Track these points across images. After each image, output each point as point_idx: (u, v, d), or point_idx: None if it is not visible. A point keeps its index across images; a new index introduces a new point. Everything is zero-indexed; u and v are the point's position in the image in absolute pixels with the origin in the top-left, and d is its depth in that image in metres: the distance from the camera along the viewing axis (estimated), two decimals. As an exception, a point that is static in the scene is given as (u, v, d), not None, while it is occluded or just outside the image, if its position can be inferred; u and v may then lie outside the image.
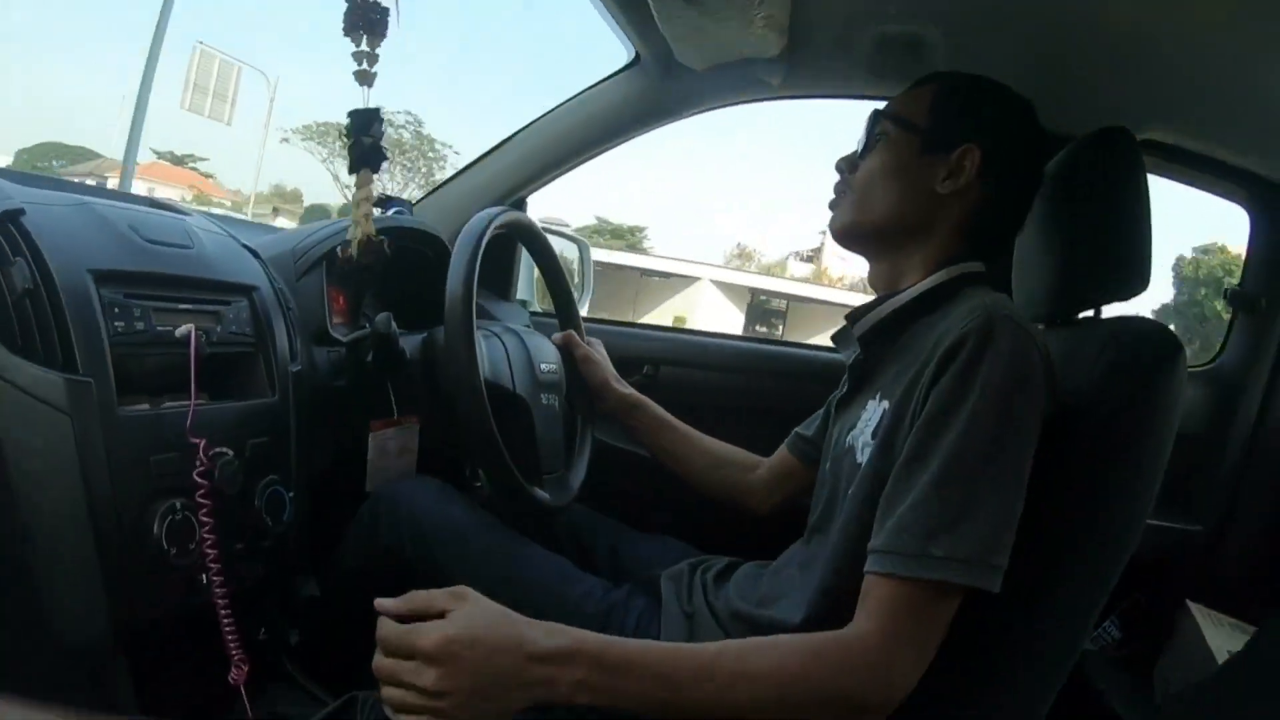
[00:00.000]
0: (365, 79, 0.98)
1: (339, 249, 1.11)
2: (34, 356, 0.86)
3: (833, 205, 1.14)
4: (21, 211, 0.89)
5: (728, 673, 0.81)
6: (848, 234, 1.12)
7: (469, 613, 0.77)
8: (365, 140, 1.06)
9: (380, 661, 0.76)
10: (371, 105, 1.08)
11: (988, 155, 1.02)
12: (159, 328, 0.97)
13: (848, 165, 1.13)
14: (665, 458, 1.51)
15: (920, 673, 0.81)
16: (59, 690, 0.93)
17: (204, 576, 0.97)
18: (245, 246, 1.20)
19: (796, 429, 1.42)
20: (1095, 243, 1.04)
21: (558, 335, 1.54)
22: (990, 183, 1.03)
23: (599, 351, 1.57)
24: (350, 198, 1.10)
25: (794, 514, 1.22)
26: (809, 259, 36.24)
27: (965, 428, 0.83)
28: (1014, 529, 0.83)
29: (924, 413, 0.88)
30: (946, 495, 0.82)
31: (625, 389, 1.53)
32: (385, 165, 1.13)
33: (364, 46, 0.97)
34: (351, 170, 1.12)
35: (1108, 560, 0.91)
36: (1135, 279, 1.02)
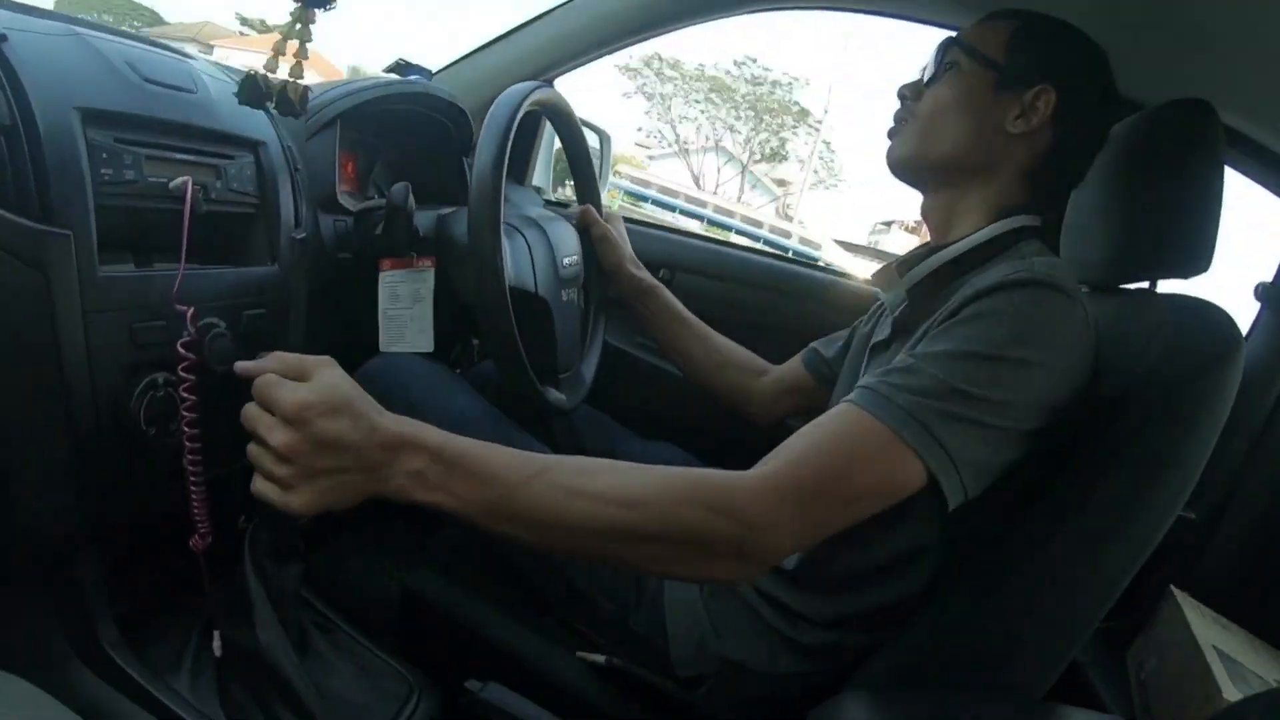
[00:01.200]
0: None
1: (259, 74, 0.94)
2: (7, 203, 0.75)
3: (892, 134, 1.08)
4: (2, 38, 0.78)
5: (569, 478, 0.77)
6: (906, 165, 1.06)
7: (332, 384, 0.77)
8: None
9: (247, 408, 0.77)
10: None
11: (1063, 99, 0.97)
12: (151, 178, 0.86)
13: (912, 92, 1.06)
14: (672, 350, 1.49)
15: (804, 539, 0.78)
16: (19, 578, 0.89)
17: (182, 461, 0.88)
18: (253, 96, 1.08)
19: (815, 344, 1.38)
20: (1163, 213, 0.98)
21: (575, 210, 1.49)
22: (1061, 128, 0.98)
23: (618, 230, 1.52)
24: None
25: None
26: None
27: (971, 350, 0.79)
28: (994, 456, 0.79)
29: (939, 329, 0.84)
30: (935, 378, 0.78)
31: (641, 272, 1.50)
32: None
33: None
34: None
35: (1141, 541, 0.88)
36: (1199, 258, 0.97)
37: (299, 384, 0.76)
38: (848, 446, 0.77)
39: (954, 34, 1.06)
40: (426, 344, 1.20)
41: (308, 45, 0.86)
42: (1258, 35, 1.18)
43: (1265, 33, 1.17)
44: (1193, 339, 0.88)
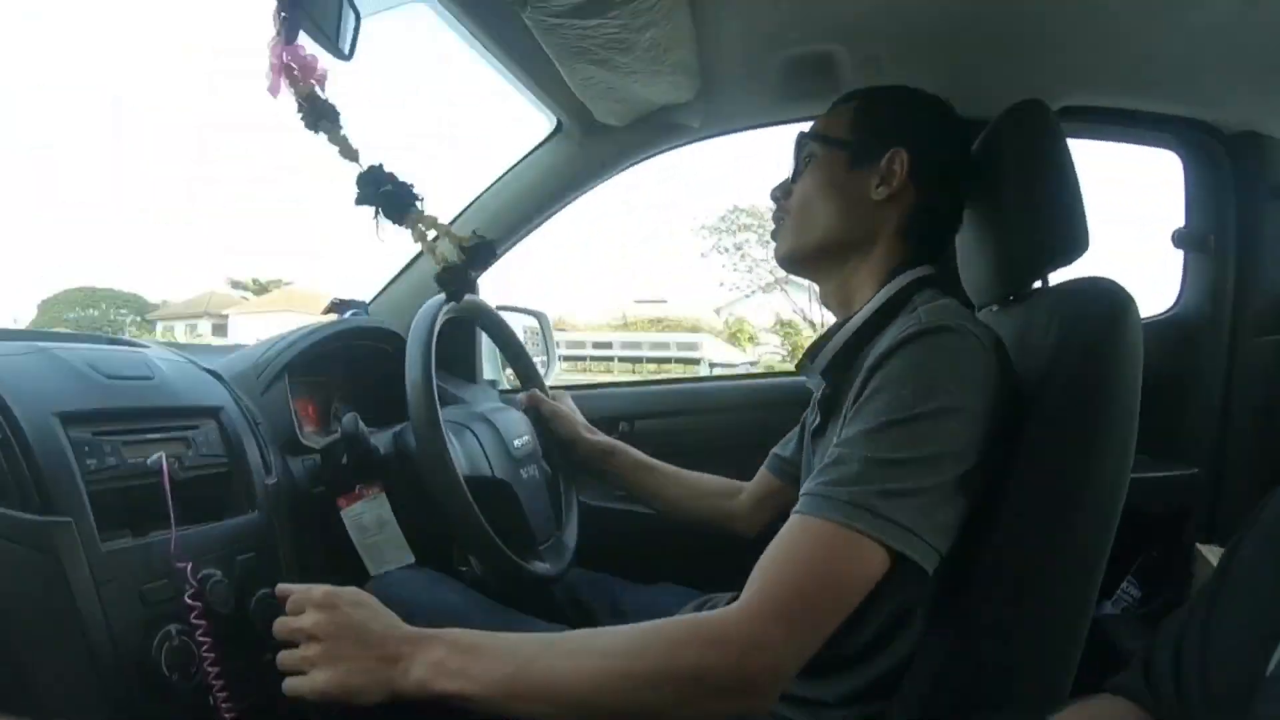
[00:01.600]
0: (351, 154, 0.97)
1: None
2: (12, 504, 0.86)
3: (774, 234, 1.16)
4: None
5: (575, 644, 0.82)
6: (793, 259, 1.14)
7: (360, 591, 0.90)
8: (387, 190, 1.03)
9: (280, 620, 0.88)
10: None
11: (915, 155, 1.04)
12: (131, 460, 0.98)
13: (783, 193, 1.15)
14: (646, 498, 1.53)
15: (803, 651, 0.78)
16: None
17: (210, 699, 0.95)
18: (206, 369, 1.21)
19: (774, 449, 1.43)
20: (1029, 215, 1.05)
21: (521, 396, 1.56)
22: (922, 183, 1.05)
23: (567, 404, 1.59)
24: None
25: None
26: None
27: (889, 420, 0.83)
28: (949, 512, 0.82)
29: (853, 409, 0.88)
30: (866, 460, 0.81)
31: (597, 436, 1.56)
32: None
33: (331, 139, 0.97)
34: (398, 222, 1.06)
35: (1100, 521, 0.91)
36: (1075, 243, 1.03)
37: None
38: (809, 555, 0.80)
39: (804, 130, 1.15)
40: (407, 557, 1.26)
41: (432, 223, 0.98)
42: (1070, 19, 1.29)
43: (1075, 16, 1.28)
44: (1083, 311, 0.94)
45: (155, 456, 0.99)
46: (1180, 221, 1.80)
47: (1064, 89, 1.08)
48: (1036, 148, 1.05)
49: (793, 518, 0.84)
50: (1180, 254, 1.83)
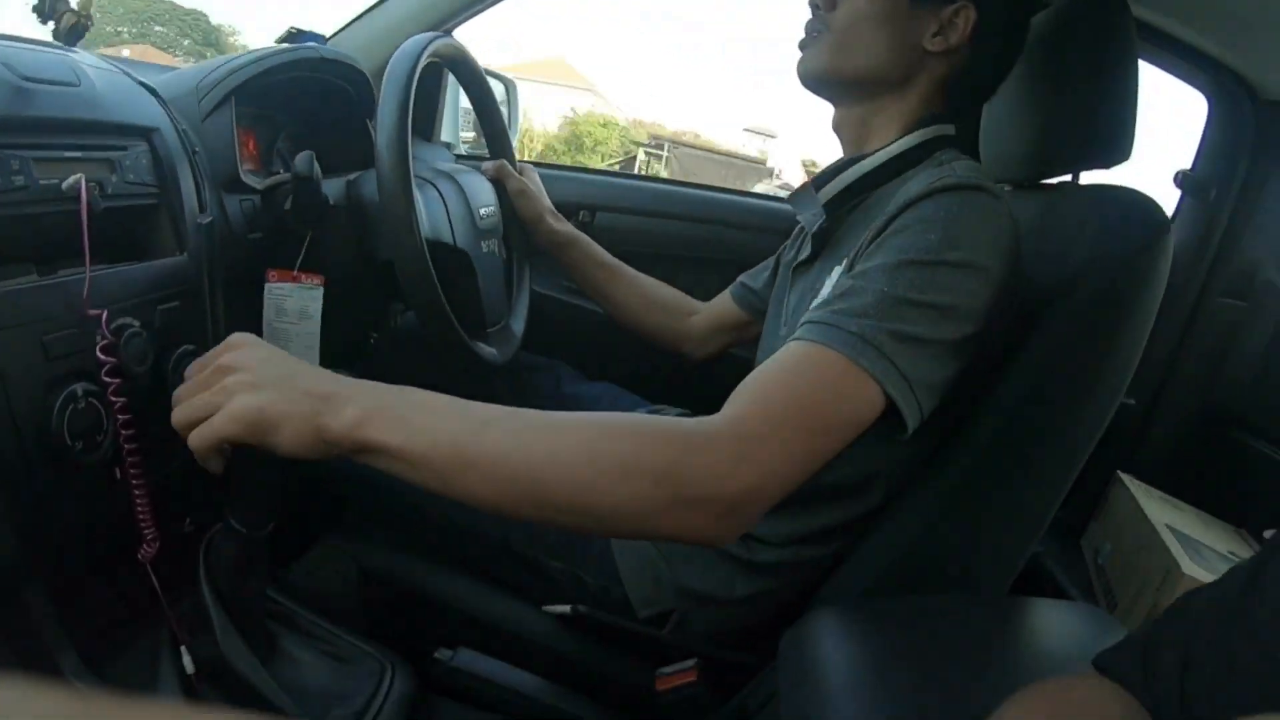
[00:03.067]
0: None
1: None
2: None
3: (804, 45, 1.03)
4: None
5: (536, 418, 0.70)
6: (820, 79, 1.03)
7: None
8: None
9: (189, 369, 0.75)
10: None
11: (981, 17, 0.95)
12: (43, 181, 0.81)
13: (825, 2, 1.01)
14: (599, 297, 1.49)
15: (788, 481, 0.70)
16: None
17: (118, 471, 0.86)
18: (142, 84, 1.02)
19: (741, 278, 1.40)
20: (1081, 106, 0.99)
21: (489, 165, 1.46)
22: (979, 45, 0.97)
23: (533, 182, 1.51)
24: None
25: (738, 365, 1.19)
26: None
27: (911, 259, 0.78)
28: (942, 371, 0.78)
29: (874, 245, 0.83)
30: (881, 294, 0.76)
31: (561, 224, 1.49)
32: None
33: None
34: None
35: (1085, 433, 0.90)
36: (1119, 148, 0.98)
37: None
38: (810, 380, 0.73)
39: None
40: (313, 359, 1.16)
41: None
42: None
43: None
44: (1121, 227, 0.89)
45: (73, 179, 0.83)
46: (1186, 163, 1.77)
47: None
48: (1107, 39, 0.97)
49: (793, 343, 0.77)
50: (1176, 194, 1.81)
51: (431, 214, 1.21)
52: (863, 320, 0.74)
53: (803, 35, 1.04)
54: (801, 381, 0.73)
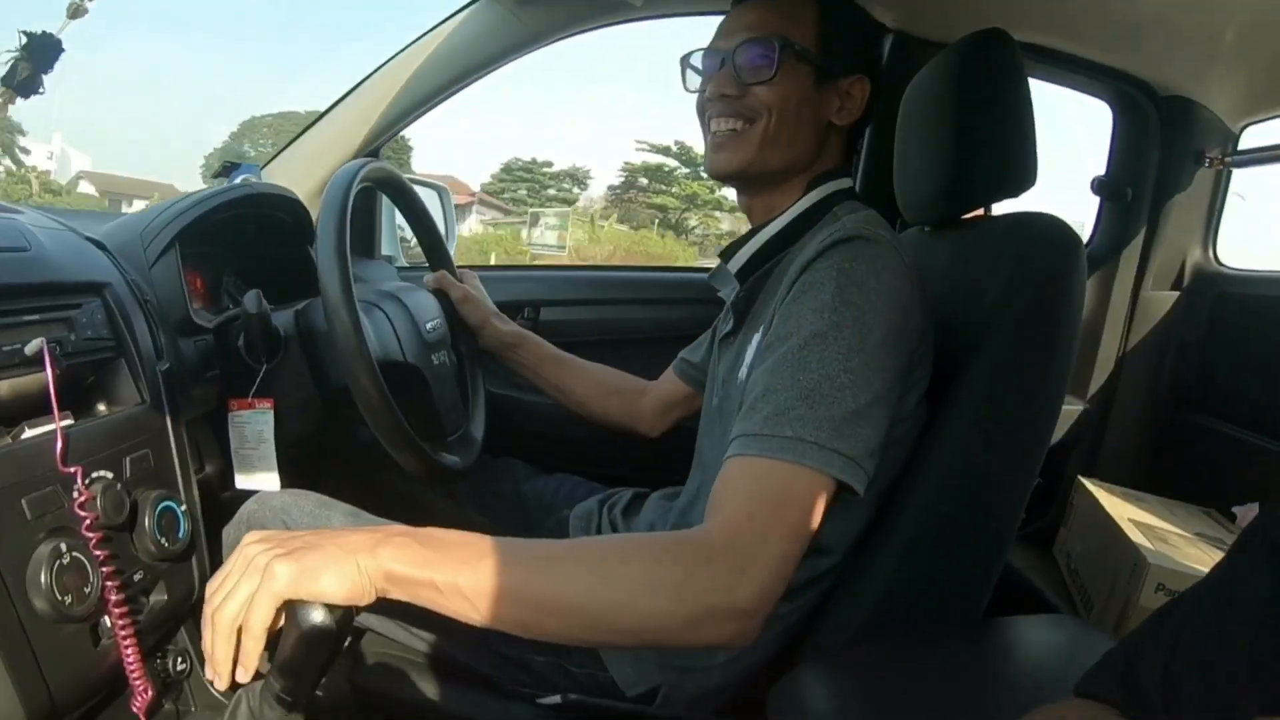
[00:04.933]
0: (77, 12, 0.86)
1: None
2: None
3: (721, 143, 1.05)
4: None
5: (546, 551, 0.76)
6: (743, 175, 1.06)
7: None
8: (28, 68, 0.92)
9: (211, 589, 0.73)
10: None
11: (874, 87, 1.03)
12: (5, 347, 0.83)
13: (737, 90, 1.03)
14: (552, 391, 1.52)
15: (781, 573, 0.76)
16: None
17: (106, 619, 0.86)
18: (88, 239, 1.05)
19: (682, 354, 1.44)
20: (983, 141, 1.05)
21: (429, 278, 1.49)
22: (870, 111, 1.05)
23: (475, 287, 1.54)
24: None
25: (691, 438, 1.24)
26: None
27: (812, 331, 0.83)
28: (876, 431, 0.83)
29: (775, 319, 0.88)
30: (798, 384, 0.81)
31: (507, 325, 1.52)
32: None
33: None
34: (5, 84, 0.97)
35: (1032, 452, 0.95)
36: (1024, 175, 1.05)
37: None
38: (773, 490, 0.79)
39: (760, 21, 1.03)
40: (274, 483, 1.19)
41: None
42: None
43: None
44: (1036, 251, 0.95)
45: (35, 343, 0.84)
46: (1100, 169, 1.87)
47: (1014, 23, 1.07)
48: (998, 76, 1.04)
49: (740, 460, 0.82)
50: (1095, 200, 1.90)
51: (380, 335, 1.23)
52: (794, 422, 0.80)
53: (714, 132, 1.06)
54: (765, 493, 0.79)
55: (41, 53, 0.97)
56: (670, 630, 0.73)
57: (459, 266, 1.56)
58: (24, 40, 0.97)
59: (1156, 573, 1.32)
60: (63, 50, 0.98)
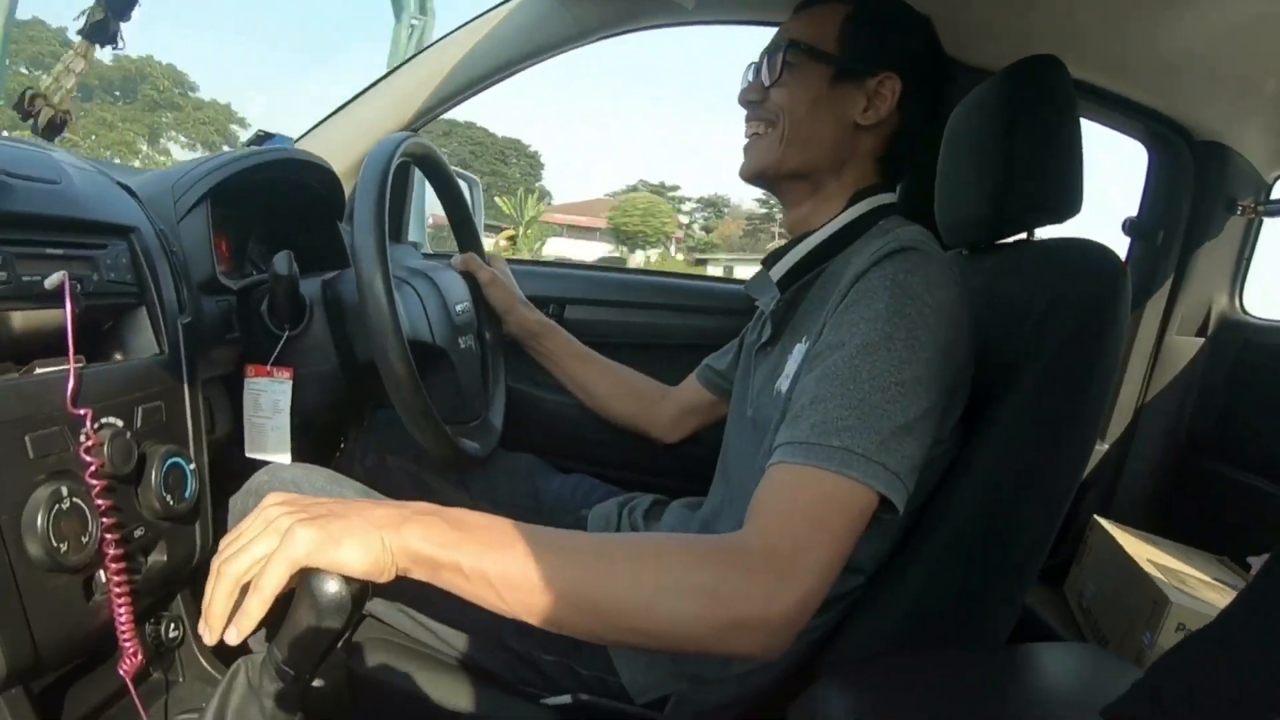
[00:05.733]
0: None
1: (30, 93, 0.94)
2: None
3: (747, 147, 1.06)
4: None
5: (577, 543, 0.72)
6: (766, 175, 1.05)
7: None
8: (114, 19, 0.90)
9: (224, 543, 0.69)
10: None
11: (906, 83, 0.99)
12: (25, 278, 0.80)
13: (757, 95, 1.04)
14: (573, 386, 1.51)
15: (819, 586, 0.73)
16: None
17: (102, 574, 0.82)
18: (120, 184, 1.02)
19: (707, 360, 1.41)
20: (1029, 165, 1.03)
21: (457, 259, 1.47)
22: (907, 112, 1.01)
23: (503, 272, 1.52)
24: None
25: (710, 447, 1.21)
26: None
27: (864, 341, 0.81)
28: (920, 448, 0.80)
29: (827, 328, 0.86)
30: (848, 394, 0.79)
31: (533, 313, 1.51)
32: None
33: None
34: (83, 34, 0.95)
35: (1062, 489, 0.91)
36: (1070, 202, 1.03)
37: None
38: (815, 500, 0.76)
39: (785, 28, 1.05)
40: (284, 456, 1.16)
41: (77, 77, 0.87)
42: None
43: None
44: (1079, 275, 0.92)
45: (57, 276, 0.81)
46: (1133, 210, 1.84)
47: (1059, 54, 1.05)
48: (1051, 101, 1.03)
49: (784, 467, 0.79)
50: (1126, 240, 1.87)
51: (410, 313, 1.21)
52: (841, 433, 0.77)
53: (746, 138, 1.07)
54: (809, 503, 0.76)
55: (118, 2, 0.95)
56: (696, 638, 0.70)
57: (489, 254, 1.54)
58: None
59: (1178, 612, 1.29)
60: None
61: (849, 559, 0.80)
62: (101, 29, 0.92)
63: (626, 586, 0.69)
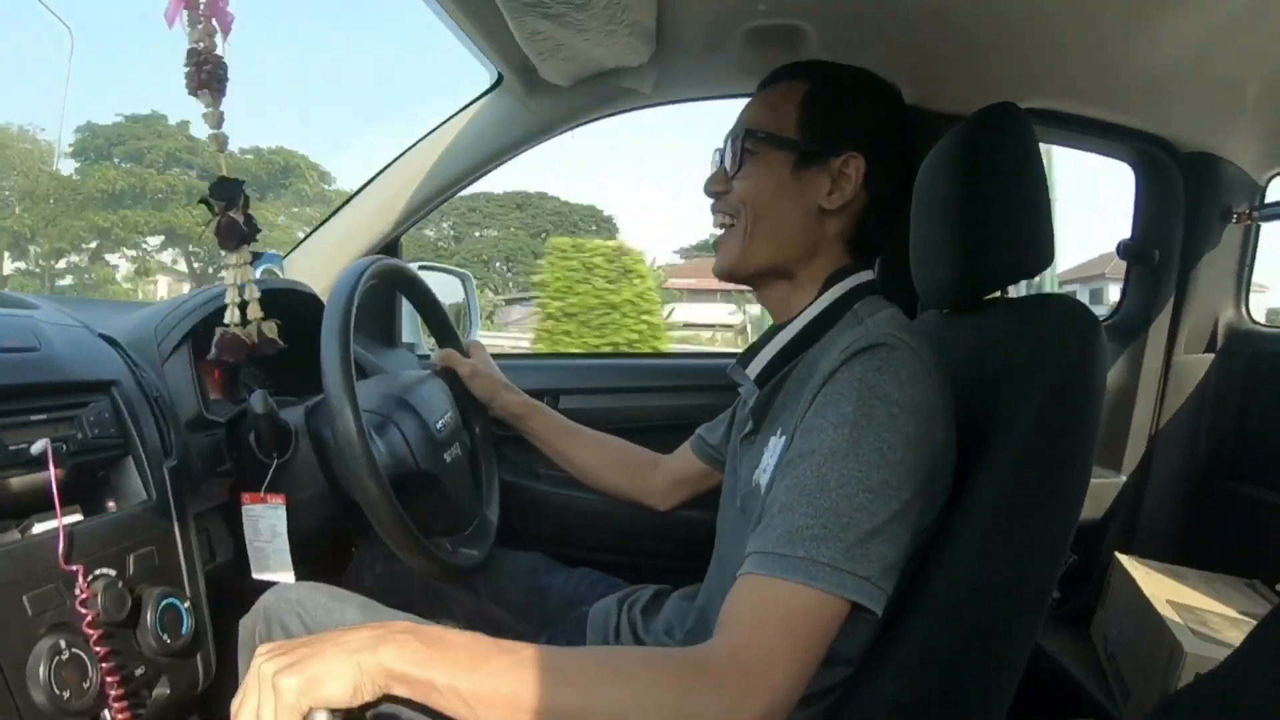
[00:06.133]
0: (219, 142, 0.88)
1: (218, 339, 0.98)
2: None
3: (717, 242, 1.06)
4: None
5: (546, 660, 0.74)
6: (736, 273, 1.04)
7: None
8: (233, 214, 0.93)
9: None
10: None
11: (870, 162, 0.97)
12: (12, 446, 0.85)
13: (721, 187, 1.04)
14: (563, 462, 1.50)
15: (787, 696, 0.74)
16: None
17: (106, 714, 0.86)
18: (101, 335, 1.08)
19: (700, 431, 1.40)
20: (999, 221, 1.01)
21: (436, 358, 1.49)
22: (873, 190, 0.99)
23: (483, 360, 1.53)
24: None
25: (709, 534, 1.20)
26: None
27: (832, 448, 0.80)
28: (895, 548, 0.80)
29: (798, 433, 0.86)
30: (815, 503, 0.79)
31: (517, 396, 1.51)
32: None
33: (210, 106, 0.87)
34: (223, 246, 0.97)
35: (1058, 536, 0.90)
36: (1042, 253, 1.00)
37: None
38: (783, 612, 0.77)
39: (745, 112, 1.05)
40: (288, 575, 1.19)
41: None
42: (1041, 23, 1.27)
43: (1047, 20, 1.26)
44: (1055, 334, 0.91)
45: (40, 444, 0.87)
46: (1126, 233, 1.82)
47: (1028, 90, 1.05)
48: (1011, 153, 1.01)
49: (751, 578, 0.80)
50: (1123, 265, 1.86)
51: (393, 451, 1.23)
52: (808, 543, 0.77)
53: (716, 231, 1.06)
54: (777, 614, 0.76)
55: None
56: None
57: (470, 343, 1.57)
58: None
59: (1194, 662, 1.25)
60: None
61: (830, 654, 0.81)
62: (234, 230, 0.93)
63: (592, 704, 0.72)
